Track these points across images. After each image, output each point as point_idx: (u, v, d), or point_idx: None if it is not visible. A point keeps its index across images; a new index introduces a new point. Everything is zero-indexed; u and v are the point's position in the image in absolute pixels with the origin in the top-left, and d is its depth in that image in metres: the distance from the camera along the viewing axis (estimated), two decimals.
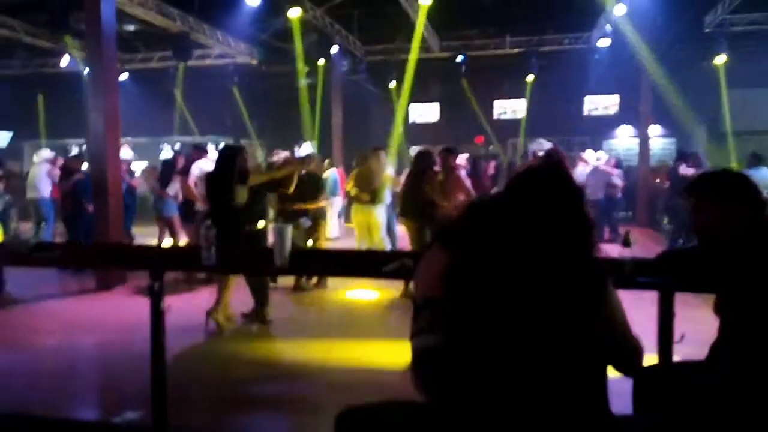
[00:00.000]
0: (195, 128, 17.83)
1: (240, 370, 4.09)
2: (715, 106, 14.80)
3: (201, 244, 3.01)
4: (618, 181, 9.88)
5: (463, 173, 6.89)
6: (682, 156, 9.14)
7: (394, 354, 3.97)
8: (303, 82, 13.48)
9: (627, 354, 1.68)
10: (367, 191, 6.44)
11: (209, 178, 4.98)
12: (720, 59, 12.41)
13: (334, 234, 9.24)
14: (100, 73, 6.76)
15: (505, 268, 1.57)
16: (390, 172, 7.42)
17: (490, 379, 1.56)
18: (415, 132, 19.14)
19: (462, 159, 8.79)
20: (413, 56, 11.84)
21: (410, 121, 19.58)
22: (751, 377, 1.89)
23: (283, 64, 14.30)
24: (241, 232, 4.60)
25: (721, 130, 14.89)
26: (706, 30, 12.12)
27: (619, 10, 10.39)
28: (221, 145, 19.63)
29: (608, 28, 12.26)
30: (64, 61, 14.26)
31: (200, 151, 7.16)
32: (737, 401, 1.90)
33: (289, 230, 2.99)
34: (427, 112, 20.08)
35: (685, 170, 8.62)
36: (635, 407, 2.09)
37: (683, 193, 2.35)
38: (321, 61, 13.59)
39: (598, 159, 10.38)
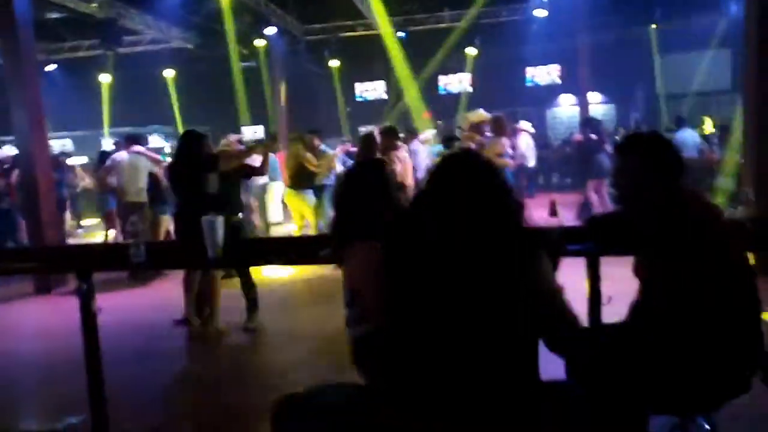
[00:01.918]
0: (131, 118, 17.12)
1: (189, 372, 4.02)
2: (650, 71, 15.30)
3: (129, 240, 2.91)
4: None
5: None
6: (584, 122, 9.34)
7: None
8: (237, 66, 13.11)
9: (560, 325, 1.69)
10: (290, 175, 6.49)
11: (171, 167, 4.63)
12: (651, 26, 12.78)
13: (277, 218, 9.15)
14: (17, 66, 6.36)
15: (432, 250, 1.60)
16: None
17: (424, 357, 1.59)
18: (362, 110, 19.03)
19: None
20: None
21: (357, 99, 19.45)
22: (664, 335, 1.98)
23: (222, 46, 13.88)
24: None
25: (658, 94, 15.43)
26: None
27: None
28: (159, 133, 19.25)
29: None
30: None
31: (133, 142, 6.84)
32: (654, 359, 1.98)
33: (220, 221, 2.92)
34: (373, 90, 19.95)
35: (578, 136, 8.94)
36: (568, 372, 2.15)
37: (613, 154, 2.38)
38: (261, 42, 13.25)
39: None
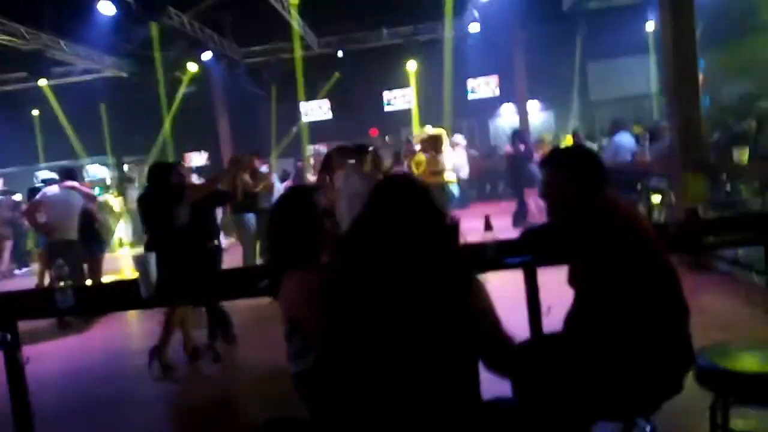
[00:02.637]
0: (69, 150, 16.49)
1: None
2: (584, 78, 15.93)
3: (54, 286, 2.76)
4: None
5: None
6: (513, 134, 9.71)
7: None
8: (162, 91, 12.84)
9: (494, 346, 1.69)
10: None
11: (141, 202, 4.47)
12: (579, 36, 13.33)
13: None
14: None
15: (369, 280, 1.59)
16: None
17: (365, 386, 1.58)
18: (310, 130, 18.96)
19: None
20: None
21: (303, 120, 19.37)
22: (599, 342, 2.01)
23: (157, 74, 13.59)
24: (189, 255, 4.07)
25: (591, 100, 16.06)
26: (564, 8, 12.96)
27: None
28: (98, 165, 18.60)
29: (475, 13, 12.79)
30: None
31: (66, 177, 6.43)
32: (591, 367, 2.01)
33: (153, 258, 2.81)
34: (319, 110, 19.92)
35: (508, 148, 9.33)
36: (512, 388, 2.16)
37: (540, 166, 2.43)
38: (194, 67, 13.05)
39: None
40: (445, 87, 16.09)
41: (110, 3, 8.89)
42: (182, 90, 13.44)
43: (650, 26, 13.68)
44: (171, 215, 4.11)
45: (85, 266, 6.26)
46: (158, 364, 4.24)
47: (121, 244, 12.15)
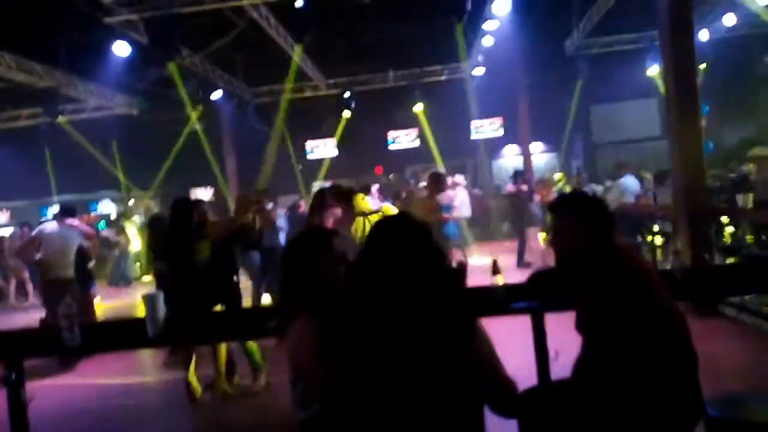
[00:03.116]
0: (75, 185, 16.70)
1: None
2: (586, 120, 16.15)
3: (61, 324, 2.76)
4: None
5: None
6: (513, 175, 9.89)
7: None
8: (196, 127, 13.09)
9: (500, 390, 1.70)
10: None
11: (165, 237, 4.52)
12: (581, 79, 13.57)
13: None
14: None
15: (370, 324, 1.58)
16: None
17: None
18: (314, 168, 19.16)
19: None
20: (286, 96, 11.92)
21: (308, 157, 19.61)
22: (608, 390, 2.00)
23: (167, 111, 13.86)
24: (209, 294, 4.07)
25: (594, 142, 16.24)
26: (567, 53, 13.25)
27: (487, 42, 11.12)
28: (104, 201, 18.77)
29: (480, 58, 13.10)
30: None
31: (65, 214, 6.34)
32: (600, 415, 1.99)
33: (161, 296, 2.82)
34: (324, 148, 20.18)
35: (510, 188, 9.41)
36: None
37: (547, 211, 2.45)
38: (208, 106, 13.33)
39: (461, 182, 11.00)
40: (447, 128, 16.39)
41: (125, 43, 9.14)
42: (193, 127, 13.65)
43: (652, 70, 13.95)
44: (189, 252, 4.12)
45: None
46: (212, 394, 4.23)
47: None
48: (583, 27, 12.01)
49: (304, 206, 10.18)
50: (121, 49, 9.19)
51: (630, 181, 8.01)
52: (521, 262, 8.94)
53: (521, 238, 9.20)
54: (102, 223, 14.18)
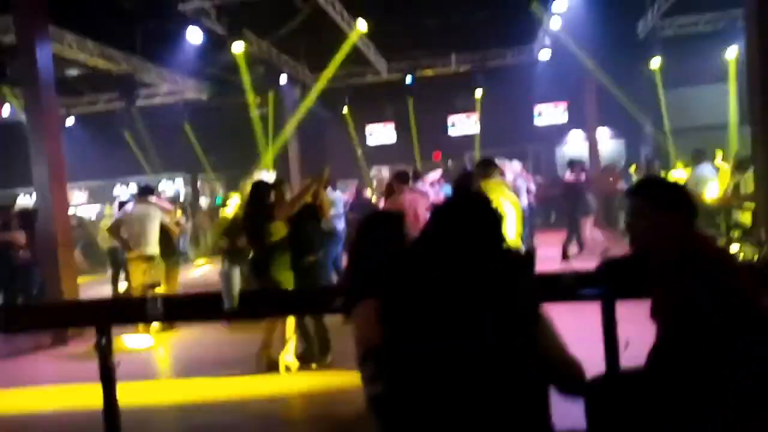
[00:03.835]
0: (146, 167, 17.54)
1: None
2: (657, 105, 15.40)
3: (146, 295, 2.96)
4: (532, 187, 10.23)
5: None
6: (570, 163, 9.64)
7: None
8: (255, 113, 13.45)
9: (565, 373, 1.71)
10: None
11: (243, 218, 4.85)
12: (655, 62, 12.94)
13: None
14: (39, 121, 6.61)
15: (435, 306, 1.60)
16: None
17: (438, 414, 1.59)
18: (374, 153, 19.32)
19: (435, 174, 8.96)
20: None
21: (368, 142, 19.76)
22: (685, 379, 1.95)
23: (234, 96, 14.27)
24: (275, 271, 4.33)
25: (664, 129, 15.48)
26: (640, 35, 12.65)
27: (555, 24, 10.78)
28: (176, 181, 19.63)
29: (547, 41, 12.70)
30: (5, 111, 13.91)
31: (145, 193, 6.69)
32: (676, 403, 1.95)
33: (237, 272, 2.96)
34: (383, 133, 20.29)
35: (569, 176, 9.18)
36: (588, 421, 2.12)
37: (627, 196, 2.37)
38: (273, 91, 13.64)
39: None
40: (510, 113, 16.01)
41: (198, 29, 9.46)
42: (258, 112, 14.01)
43: (730, 53, 13.12)
44: (261, 232, 4.38)
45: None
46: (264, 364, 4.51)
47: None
48: (658, 6, 11.42)
49: (366, 190, 10.33)
50: (194, 35, 9.52)
51: (707, 170, 7.64)
52: (564, 252, 8.77)
53: (573, 228, 9.02)
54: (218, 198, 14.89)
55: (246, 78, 12.14)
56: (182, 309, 3.07)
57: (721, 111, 14.89)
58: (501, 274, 1.62)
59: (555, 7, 10.02)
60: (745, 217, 6.45)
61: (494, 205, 1.75)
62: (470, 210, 1.69)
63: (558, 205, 10.96)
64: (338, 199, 7.49)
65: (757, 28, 5.44)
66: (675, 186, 2.25)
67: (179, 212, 10.06)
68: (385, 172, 18.16)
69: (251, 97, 13.21)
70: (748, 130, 5.96)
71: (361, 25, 9.17)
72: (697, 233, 2.08)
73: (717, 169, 7.97)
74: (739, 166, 7.23)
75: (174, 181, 19.93)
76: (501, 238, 1.70)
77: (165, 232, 6.55)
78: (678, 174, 9.67)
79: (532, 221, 9.47)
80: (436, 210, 1.75)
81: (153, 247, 6.28)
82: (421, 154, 17.44)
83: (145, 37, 10.98)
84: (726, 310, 1.92)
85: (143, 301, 2.97)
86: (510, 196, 4.52)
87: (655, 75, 13.79)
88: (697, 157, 8.07)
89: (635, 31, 12.65)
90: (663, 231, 2.07)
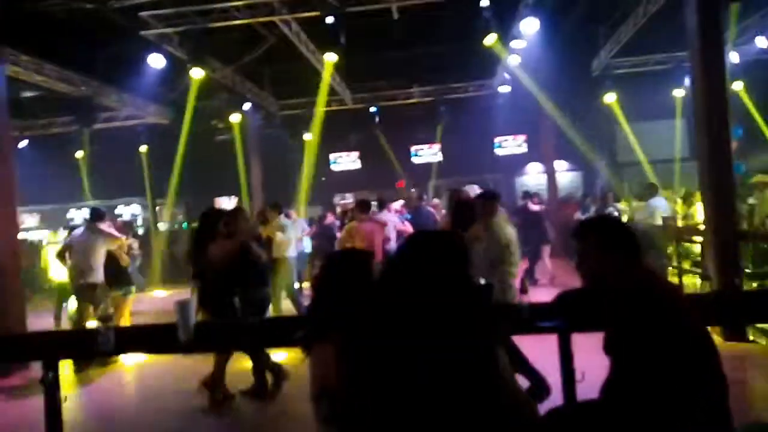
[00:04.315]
0: (103, 191, 17.08)
1: None
2: (612, 140, 16.03)
3: (98, 328, 2.85)
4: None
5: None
6: (527, 194, 10.47)
7: None
8: (218, 138, 13.30)
9: (517, 408, 1.72)
10: None
11: (192, 245, 4.73)
12: (609, 98, 13.52)
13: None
14: None
15: (393, 343, 1.60)
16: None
17: None
18: (337, 180, 19.37)
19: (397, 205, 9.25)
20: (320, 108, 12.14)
21: (332, 168, 19.84)
22: (637, 413, 1.99)
23: (196, 122, 14.13)
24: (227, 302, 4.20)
25: (618, 162, 16.10)
26: (594, 73, 13.21)
27: (514, 60, 11.15)
28: (132, 206, 19.14)
29: (506, 75, 13.13)
30: None
31: (94, 218, 6.37)
32: None
33: (193, 303, 2.89)
34: (348, 160, 20.41)
35: (532, 206, 9.84)
36: None
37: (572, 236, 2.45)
38: (236, 118, 13.54)
39: None
40: (471, 143, 16.34)
41: (161, 56, 9.39)
42: (220, 137, 13.88)
43: (678, 92, 13.82)
44: (203, 263, 4.26)
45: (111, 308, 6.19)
46: (211, 399, 4.31)
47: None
48: (610, 47, 11.99)
49: (330, 218, 10.28)
50: (157, 61, 9.44)
51: (660, 203, 7.94)
52: (531, 280, 9.10)
53: (534, 255, 9.39)
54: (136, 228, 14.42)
55: (203, 105, 12.00)
56: (135, 341, 2.96)
57: (671, 146, 15.62)
58: (460, 315, 1.62)
59: (513, 45, 10.38)
60: (694, 248, 6.72)
61: (461, 244, 1.75)
62: (434, 253, 1.69)
63: (521, 234, 11.20)
64: (288, 225, 7.37)
65: (701, 69, 5.72)
66: (614, 224, 2.33)
67: (131, 239, 9.76)
68: (349, 199, 18.21)
69: (218, 123, 13.12)
70: (695, 165, 6.26)
71: (331, 57, 9.27)
72: (644, 270, 2.15)
73: (669, 202, 8.31)
74: (687, 199, 7.57)
75: (130, 205, 19.46)
76: (465, 278, 1.70)
77: (114, 261, 6.27)
78: (635, 206, 10.11)
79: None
80: (400, 251, 1.75)
81: (97, 276, 6.00)
82: (384, 182, 17.57)
83: (106, 60, 10.82)
84: (675, 346, 1.98)
85: (94, 334, 2.85)
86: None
87: (609, 110, 14.39)
88: (650, 190, 8.41)
89: (590, 68, 13.21)
90: (610, 270, 2.13)
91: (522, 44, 10.28)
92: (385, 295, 1.68)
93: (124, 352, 3.00)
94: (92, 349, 2.83)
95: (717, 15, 5.80)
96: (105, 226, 6.51)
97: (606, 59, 12.59)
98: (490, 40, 8.85)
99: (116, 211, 19.11)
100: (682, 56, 11.13)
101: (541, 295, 2.86)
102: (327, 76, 11.12)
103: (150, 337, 2.97)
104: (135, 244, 10.54)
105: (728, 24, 9.42)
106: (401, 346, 1.59)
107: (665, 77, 13.48)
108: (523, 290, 2.73)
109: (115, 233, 6.65)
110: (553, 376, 2.69)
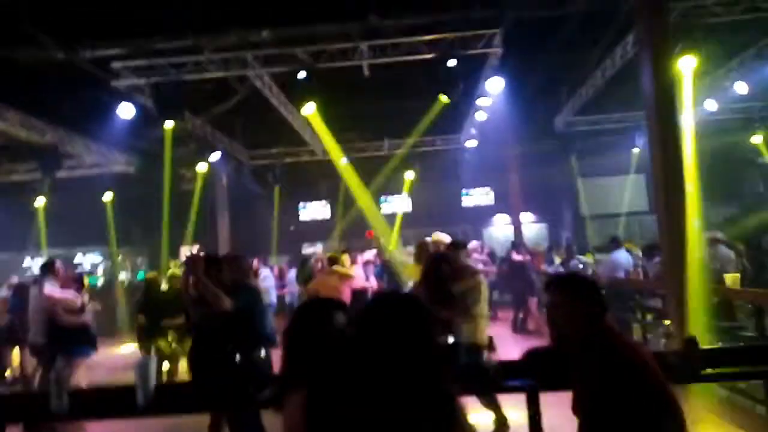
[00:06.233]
0: (61, 240, 16.58)
1: None
2: (575, 193, 16.54)
3: (50, 390, 2.71)
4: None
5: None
6: (513, 245, 10.73)
7: None
8: (166, 187, 12.92)
9: None
10: None
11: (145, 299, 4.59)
12: (570, 154, 14.05)
13: None
14: None
15: (356, 402, 1.57)
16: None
17: None
18: (308, 230, 19.31)
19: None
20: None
21: (301, 218, 19.80)
22: None
23: (163, 171, 14.01)
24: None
25: (581, 215, 16.57)
26: (558, 129, 13.74)
27: (480, 117, 11.54)
28: (90, 256, 18.58)
29: (473, 131, 13.56)
30: None
31: (46, 272, 5.78)
32: None
33: (154, 363, 2.79)
34: (317, 210, 20.44)
35: (516, 256, 10.01)
36: None
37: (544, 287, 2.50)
38: (203, 167, 13.45)
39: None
40: (439, 195, 16.60)
41: (131, 106, 9.35)
42: (186, 187, 13.74)
43: (635, 149, 14.47)
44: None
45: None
46: None
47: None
48: (573, 105, 12.54)
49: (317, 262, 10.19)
50: (126, 111, 9.38)
51: (622, 256, 8.09)
52: (522, 328, 9.31)
53: (522, 305, 9.51)
54: (93, 278, 13.89)
55: (172, 154, 11.85)
56: (90, 404, 2.81)
57: (630, 200, 16.21)
58: (424, 374, 1.61)
59: (480, 102, 10.76)
60: (657, 302, 6.85)
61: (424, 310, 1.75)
62: (395, 323, 1.66)
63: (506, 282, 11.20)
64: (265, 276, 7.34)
65: (657, 128, 6.00)
66: (585, 281, 2.39)
67: (81, 294, 9.19)
68: (318, 249, 18.10)
69: (186, 172, 12.99)
70: (653, 219, 6.46)
71: (308, 110, 9.47)
72: (607, 326, 2.20)
73: (631, 255, 8.50)
74: (647, 253, 7.76)
75: (90, 254, 18.92)
76: (429, 342, 1.69)
77: (51, 322, 5.49)
78: (598, 258, 10.32)
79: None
80: (369, 311, 1.73)
81: (39, 336, 5.55)
82: (354, 232, 17.59)
83: (73, 108, 10.71)
84: (636, 402, 2.00)
85: (45, 397, 2.70)
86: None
87: (572, 166, 14.92)
88: (613, 243, 8.59)
89: (553, 125, 13.74)
90: (575, 325, 2.17)
91: (488, 101, 10.66)
92: (346, 361, 1.67)
93: (79, 416, 2.83)
94: (45, 413, 2.68)
95: (672, 81, 6.14)
96: (50, 285, 5.70)
97: (568, 116, 13.14)
98: (444, 99, 9.28)
99: (75, 260, 18.51)
100: (640, 116, 11.69)
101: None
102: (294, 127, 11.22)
103: (107, 400, 2.82)
104: (85, 298, 9.72)
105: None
106: (360, 415, 1.57)
107: (625, 135, 14.11)
108: (490, 348, 2.73)
109: (57, 294, 5.68)
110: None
